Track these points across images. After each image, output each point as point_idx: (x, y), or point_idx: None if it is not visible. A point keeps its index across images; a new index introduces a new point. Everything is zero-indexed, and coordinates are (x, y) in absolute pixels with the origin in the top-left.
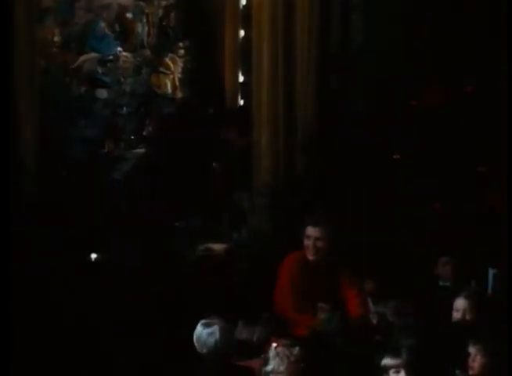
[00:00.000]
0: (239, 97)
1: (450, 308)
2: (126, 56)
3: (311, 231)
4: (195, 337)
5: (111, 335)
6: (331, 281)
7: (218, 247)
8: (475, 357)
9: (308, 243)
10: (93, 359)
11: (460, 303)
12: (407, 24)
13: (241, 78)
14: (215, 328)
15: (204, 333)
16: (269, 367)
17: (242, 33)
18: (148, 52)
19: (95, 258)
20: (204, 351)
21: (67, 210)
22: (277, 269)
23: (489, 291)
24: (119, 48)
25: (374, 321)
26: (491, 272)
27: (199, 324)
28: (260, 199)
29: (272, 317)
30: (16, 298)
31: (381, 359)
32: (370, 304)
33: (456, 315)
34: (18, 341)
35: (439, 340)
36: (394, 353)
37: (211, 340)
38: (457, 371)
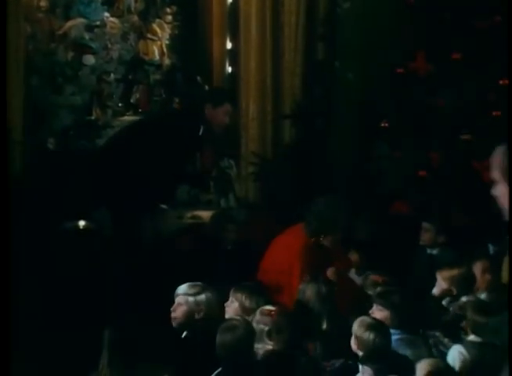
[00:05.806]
0: (227, 64)
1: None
2: (113, 22)
3: None
4: None
5: (99, 303)
6: (328, 253)
7: (205, 214)
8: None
9: None
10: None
11: (445, 273)
12: None
13: (229, 45)
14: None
15: None
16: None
17: None
18: (135, 18)
19: (83, 226)
20: None
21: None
22: (262, 236)
23: None
24: (106, 14)
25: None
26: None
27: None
28: (247, 167)
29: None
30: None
31: None
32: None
33: (443, 284)
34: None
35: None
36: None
37: None
38: None
